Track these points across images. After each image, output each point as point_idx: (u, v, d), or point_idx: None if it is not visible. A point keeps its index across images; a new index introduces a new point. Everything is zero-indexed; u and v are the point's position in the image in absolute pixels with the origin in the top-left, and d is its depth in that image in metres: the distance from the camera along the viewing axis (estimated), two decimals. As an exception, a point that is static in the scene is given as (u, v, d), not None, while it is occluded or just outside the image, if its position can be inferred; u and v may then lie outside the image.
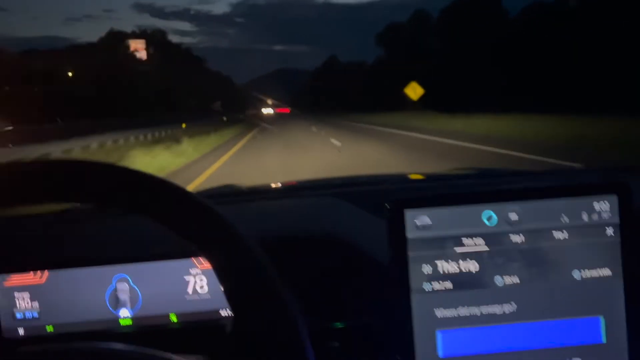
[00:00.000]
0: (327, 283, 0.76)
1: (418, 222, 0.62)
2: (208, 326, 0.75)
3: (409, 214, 0.62)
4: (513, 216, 0.63)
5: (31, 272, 0.74)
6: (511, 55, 31.72)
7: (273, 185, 1.32)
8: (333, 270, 0.77)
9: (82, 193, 0.44)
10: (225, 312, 0.76)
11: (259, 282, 0.44)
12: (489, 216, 0.63)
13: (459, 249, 0.63)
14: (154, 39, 70.66)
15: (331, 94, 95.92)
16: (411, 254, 0.62)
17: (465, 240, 0.63)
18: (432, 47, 46.51)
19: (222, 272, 0.44)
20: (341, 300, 0.75)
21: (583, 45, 26.07)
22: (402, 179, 1.25)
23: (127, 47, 62.61)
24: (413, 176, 1.30)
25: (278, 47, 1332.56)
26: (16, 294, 0.74)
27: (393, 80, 48.15)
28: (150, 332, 0.75)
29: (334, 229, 0.83)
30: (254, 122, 40.15)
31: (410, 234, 0.62)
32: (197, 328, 0.75)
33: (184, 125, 23.88)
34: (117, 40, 64.63)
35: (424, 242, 0.63)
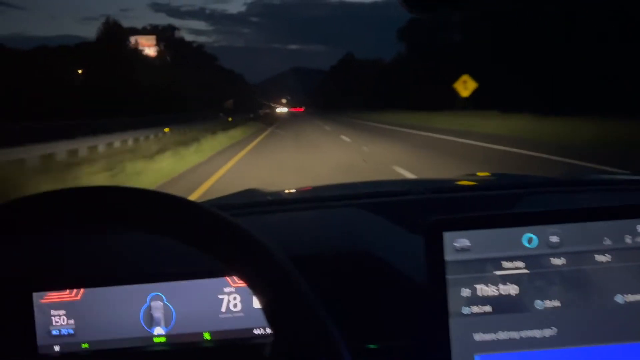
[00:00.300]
0: (360, 302, 0.75)
1: (457, 245, 0.62)
2: (242, 345, 0.75)
3: (447, 235, 0.62)
4: (554, 239, 0.62)
5: (67, 290, 0.75)
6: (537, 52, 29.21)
7: (294, 191, 1.30)
8: (365, 289, 0.75)
9: (101, 218, 0.44)
10: (259, 331, 0.76)
11: (298, 302, 0.44)
12: (529, 238, 0.62)
13: (498, 272, 0.62)
14: (165, 35, 69.07)
15: (347, 92, 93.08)
16: (449, 277, 0.61)
17: (504, 263, 0.62)
18: (456, 43, 43.21)
19: (260, 294, 0.44)
20: (374, 321, 0.74)
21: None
22: (429, 188, 1.18)
23: (137, 43, 61.08)
24: (452, 181, 1.28)
25: (293, 47, 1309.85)
26: (52, 311, 0.75)
27: (415, 78, 45.17)
28: (184, 350, 0.75)
29: (365, 245, 0.82)
30: (264, 123, 36.24)
31: (448, 256, 0.61)
32: (230, 346, 0.75)
33: (166, 130, 19.17)
34: (126, 36, 62.88)
35: (463, 265, 0.62)
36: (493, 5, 0.56)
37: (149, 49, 62.73)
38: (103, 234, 0.83)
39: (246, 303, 0.76)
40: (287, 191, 1.35)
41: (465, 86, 23.12)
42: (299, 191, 1.36)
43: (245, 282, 0.45)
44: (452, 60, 37.69)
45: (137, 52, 58.86)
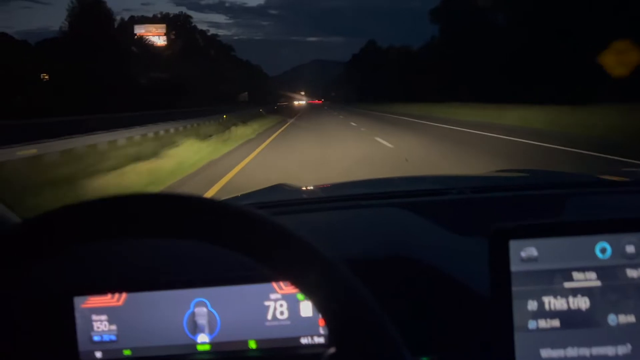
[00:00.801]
0: (410, 311, 0.71)
1: (524, 254, 0.58)
2: (288, 354, 0.73)
3: (514, 244, 0.58)
4: (630, 248, 0.58)
5: (109, 294, 0.73)
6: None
7: (328, 187, 1.28)
8: (416, 296, 0.72)
9: (152, 229, 0.43)
10: (306, 340, 0.74)
11: (365, 316, 0.43)
12: (602, 248, 0.58)
13: (568, 284, 0.58)
14: (177, 24, 65.03)
15: (369, 83, 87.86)
16: (515, 288, 0.58)
17: (575, 275, 0.58)
18: (499, 24, 37.70)
19: (323, 308, 0.43)
20: (426, 331, 0.70)
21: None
22: (469, 187, 1.12)
23: (147, 32, 57.49)
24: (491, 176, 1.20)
25: (312, 39, 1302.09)
26: (94, 317, 0.73)
27: (450, 66, 39.90)
28: (228, 358, 0.73)
29: (412, 249, 0.78)
30: (282, 115, 33.24)
31: (514, 266, 0.58)
32: (277, 355, 0.73)
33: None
34: (136, 25, 59.14)
35: (530, 276, 0.58)
36: None
37: (159, 38, 59.03)
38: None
39: (293, 310, 0.73)
40: (319, 187, 1.31)
41: (621, 59, 12.51)
42: (332, 187, 1.31)
43: (306, 295, 0.44)
44: (494, 44, 33.34)
45: (143, 43, 55.14)
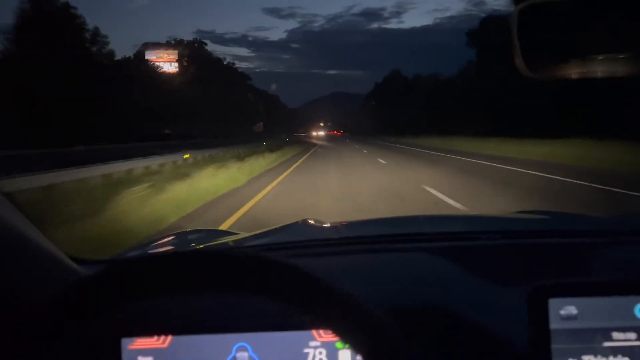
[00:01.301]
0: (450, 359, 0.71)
1: (563, 312, 0.58)
2: None
3: (553, 302, 0.58)
4: None
5: (155, 336, 0.75)
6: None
7: (352, 224, 1.29)
8: (450, 349, 0.71)
9: (210, 282, 0.46)
10: None
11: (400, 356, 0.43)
12: None
13: (608, 344, 0.58)
14: (191, 49, 62.12)
15: (394, 114, 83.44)
16: (555, 346, 0.58)
17: (615, 334, 0.58)
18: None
19: (362, 352, 0.44)
20: None
21: None
22: (501, 232, 1.11)
23: (158, 58, 54.67)
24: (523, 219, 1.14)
25: (332, 72, 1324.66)
26: (140, 358, 0.75)
27: (492, 92, 35.13)
28: None
29: (445, 298, 0.78)
30: (294, 149, 29.49)
31: (554, 324, 0.58)
32: None
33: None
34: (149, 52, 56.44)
35: (570, 334, 0.58)
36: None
37: (170, 65, 56.08)
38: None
39: (332, 358, 0.74)
40: (343, 224, 1.30)
41: None
42: (356, 225, 1.31)
43: (346, 343, 0.45)
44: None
45: (153, 69, 52.09)
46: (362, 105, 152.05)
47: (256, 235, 1.25)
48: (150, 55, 54.68)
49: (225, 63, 72.57)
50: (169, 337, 0.74)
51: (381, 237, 1.19)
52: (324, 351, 0.74)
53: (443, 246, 1.04)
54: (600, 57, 0.56)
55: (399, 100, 77.24)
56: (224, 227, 5.59)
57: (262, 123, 59.72)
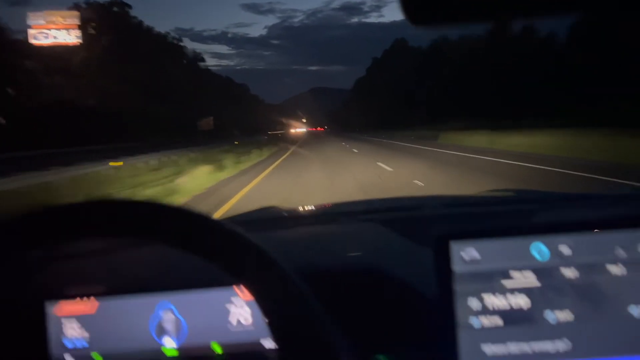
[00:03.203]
0: (370, 314, 0.74)
1: (465, 255, 0.61)
2: (253, 357, 0.75)
3: (455, 246, 0.61)
4: (565, 249, 0.61)
5: (80, 300, 0.75)
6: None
7: (313, 208, 1.33)
8: (375, 301, 0.75)
9: (109, 229, 0.46)
10: (270, 344, 0.75)
11: (303, 316, 0.44)
12: (539, 249, 0.61)
13: (507, 283, 0.61)
14: (104, 14, 43.44)
15: (379, 106, 66.36)
16: (458, 288, 0.60)
17: (514, 274, 0.61)
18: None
19: (265, 307, 0.45)
20: (384, 332, 0.73)
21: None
22: (444, 203, 1.20)
23: (48, 24, 37.21)
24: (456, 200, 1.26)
25: (313, 68, 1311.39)
26: (65, 322, 0.75)
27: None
28: None
29: (378, 259, 0.82)
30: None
31: (456, 267, 0.61)
32: (241, 359, 0.75)
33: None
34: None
35: (472, 276, 0.61)
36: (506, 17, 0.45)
37: (68, 34, 38.55)
38: (116, 245, 0.83)
39: (256, 315, 0.75)
40: (304, 208, 1.35)
41: None
42: (316, 208, 1.37)
43: (252, 294, 0.46)
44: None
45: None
46: (349, 97, 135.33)
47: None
48: (37, 21, 36.86)
49: (165, 35, 52.87)
50: (95, 301, 0.74)
51: (334, 214, 1.23)
52: (247, 308, 0.74)
53: (390, 217, 1.09)
54: None
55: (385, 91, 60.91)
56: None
57: (212, 118, 42.43)
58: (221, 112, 58.70)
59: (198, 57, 67.64)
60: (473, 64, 35.67)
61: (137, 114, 37.55)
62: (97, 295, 0.74)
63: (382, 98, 65.90)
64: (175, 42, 56.78)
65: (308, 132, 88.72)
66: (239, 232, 0.46)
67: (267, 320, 0.45)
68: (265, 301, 0.45)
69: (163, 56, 47.40)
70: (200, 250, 0.46)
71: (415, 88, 51.32)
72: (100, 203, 0.46)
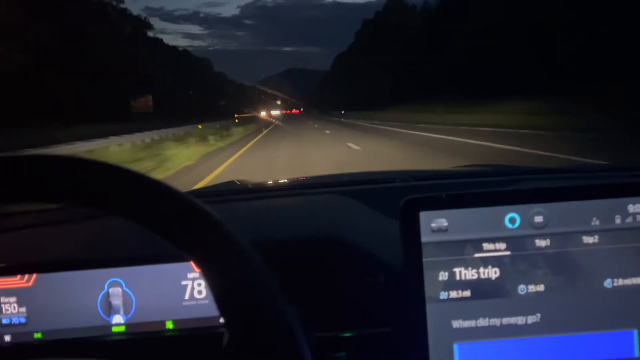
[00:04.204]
0: (336, 289, 0.71)
1: (434, 225, 0.57)
2: (205, 334, 0.71)
3: (424, 215, 0.57)
4: (538, 219, 0.58)
5: (18, 275, 0.70)
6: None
7: (280, 182, 1.29)
8: (341, 274, 0.72)
9: (45, 191, 0.38)
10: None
11: (252, 290, 0.39)
12: (511, 218, 0.58)
13: (478, 254, 0.58)
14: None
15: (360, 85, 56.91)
16: (426, 259, 0.57)
17: (485, 245, 0.58)
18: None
19: (211, 278, 0.40)
20: (351, 307, 0.70)
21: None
22: (415, 176, 1.17)
23: None
24: (427, 173, 1.25)
25: (288, 49, 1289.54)
26: (2, 299, 0.70)
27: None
28: (144, 339, 0.71)
29: (343, 230, 0.78)
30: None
31: (425, 237, 0.57)
32: (193, 336, 0.71)
33: None
34: None
35: (440, 247, 0.57)
36: None
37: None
38: (55, 216, 0.78)
39: None
40: (270, 182, 1.31)
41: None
42: (283, 181, 1.33)
43: (198, 265, 0.40)
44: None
45: None
46: (327, 76, 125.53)
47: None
48: None
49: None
50: (34, 276, 0.69)
51: (296, 186, 1.19)
52: (202, 283, 0.70)
53: (357, 189, 1.05)
54: None
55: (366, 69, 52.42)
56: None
57: (150, 97, 32.49)
58: (175, 90, 48.25)
59: (144, 23, 54.65)
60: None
61: (39, 90, 27.28)
62: (38, 271, 0.69)
63: (366, 75, 57.03)
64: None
65: (282, 115, 78.78)
66: (185, 194, 0.39)
67: (214, 296, 0.40)
68: (211, 273, 0.39)
69: (85, 17, 36.02)
70: (142, 218, 0.39)
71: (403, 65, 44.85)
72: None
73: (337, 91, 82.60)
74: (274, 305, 0.40)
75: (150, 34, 55.92)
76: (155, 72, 44.94)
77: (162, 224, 0.39)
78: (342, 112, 47.94)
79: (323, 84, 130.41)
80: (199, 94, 60.20)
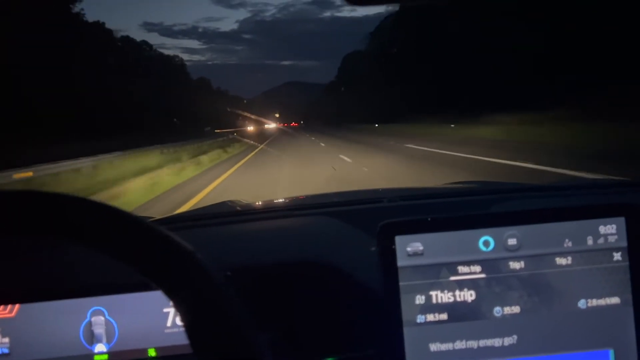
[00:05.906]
0: (318, 313, 0.71)
1: (409, 249, 0.58)
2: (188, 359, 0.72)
3: (399, 240, 0.58)
4: (512, 241, 0.59)
5: (1, 306, 0.70)
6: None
7: (270, 203, 1.30)
8: (323, 298, 0.72)
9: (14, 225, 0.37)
10: None
11: (219, 320, 0.39)
12: (485, 241, 0.59)
13: (454, 277, 0.58)
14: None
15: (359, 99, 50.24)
16: (402, 283, 0.58)
17: (460, 268, 0.58)
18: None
19: (178, 307, 0.39)
20: (333, 332, 0.71)
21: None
22: (401, 196, 1.17)
23: None
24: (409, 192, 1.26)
25: (286, 62, 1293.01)
26: None
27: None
28: None
29: (327, 253, 0.79)
30: None
31: (401, 261, 0.58)
32: None
33: None
34: None
35: (416, 270, 0.58)
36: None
37: None
38: (37, 246, 0.79)
39: None
40: (259, 202, 1.31)
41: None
42: (272, 202, 1.33)
43: (165, 292, 0.39)
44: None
45: None
46: (328, 88, 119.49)
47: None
48: None
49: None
50: (17, 306, 0.69)
51: (285, 207, 1.20)
52: None
53: (345, 210, 1.06)
54: None
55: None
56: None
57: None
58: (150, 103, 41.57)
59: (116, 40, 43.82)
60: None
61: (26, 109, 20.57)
62: (21, 301, 0.69)
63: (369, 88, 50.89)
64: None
65: (277, 129, 70.26)
66: (150, 224, 0.39)
67: (183, 324, 0.39)
68: (178, 303, 0.39)
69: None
70: (109, 249, 0.39)
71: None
72: None
73: (340, 105, 76.13)
74: (242, 335, 0.39)
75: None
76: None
77: (124, 254, 0.38)
78: (376, 125, 40.23)
79: (324, 95, 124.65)
80: (185, 107, 53.34)
